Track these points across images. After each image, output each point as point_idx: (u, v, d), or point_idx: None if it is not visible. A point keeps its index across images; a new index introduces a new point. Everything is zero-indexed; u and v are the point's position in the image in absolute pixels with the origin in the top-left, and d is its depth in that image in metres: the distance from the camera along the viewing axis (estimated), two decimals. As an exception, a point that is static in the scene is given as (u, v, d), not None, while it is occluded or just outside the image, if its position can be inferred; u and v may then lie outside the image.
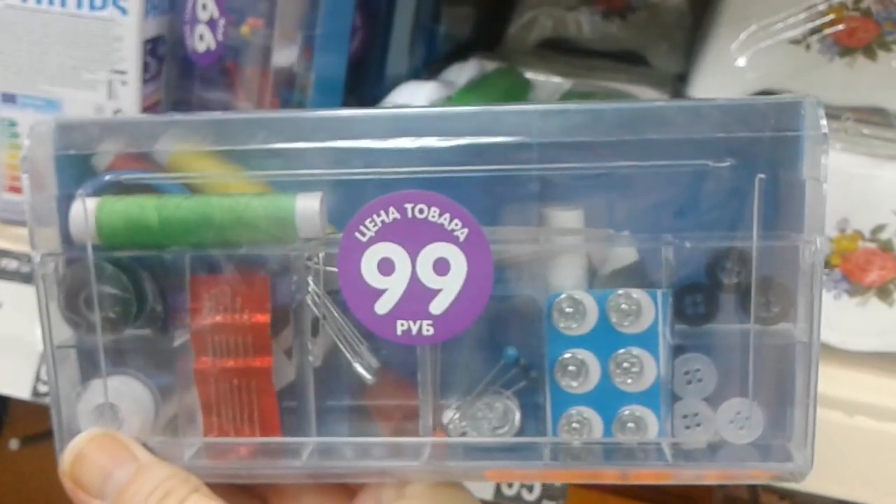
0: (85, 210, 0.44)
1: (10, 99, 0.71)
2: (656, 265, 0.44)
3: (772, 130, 0.42)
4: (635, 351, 0.44)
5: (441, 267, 0.43)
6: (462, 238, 0.42)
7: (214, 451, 0.47)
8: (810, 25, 0.73)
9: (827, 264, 0.67)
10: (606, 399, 0.45)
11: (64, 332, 0.46)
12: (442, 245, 0.43)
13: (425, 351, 0.45)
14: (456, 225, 0.42)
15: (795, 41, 0.74)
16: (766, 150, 0.43)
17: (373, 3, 0.81)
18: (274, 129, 0.45)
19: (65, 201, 0.45)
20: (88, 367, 0.46)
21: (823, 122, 0.42)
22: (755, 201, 0.42)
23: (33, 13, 0.68)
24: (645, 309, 0.44)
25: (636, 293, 0.44)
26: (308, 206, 0.44)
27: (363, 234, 0.43)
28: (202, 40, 0.71)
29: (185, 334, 0.46)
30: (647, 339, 0.44)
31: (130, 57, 0.69)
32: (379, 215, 0.43)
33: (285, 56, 0.71)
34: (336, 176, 0.44)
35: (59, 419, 0.46)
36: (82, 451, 0.45)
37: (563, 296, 0.44)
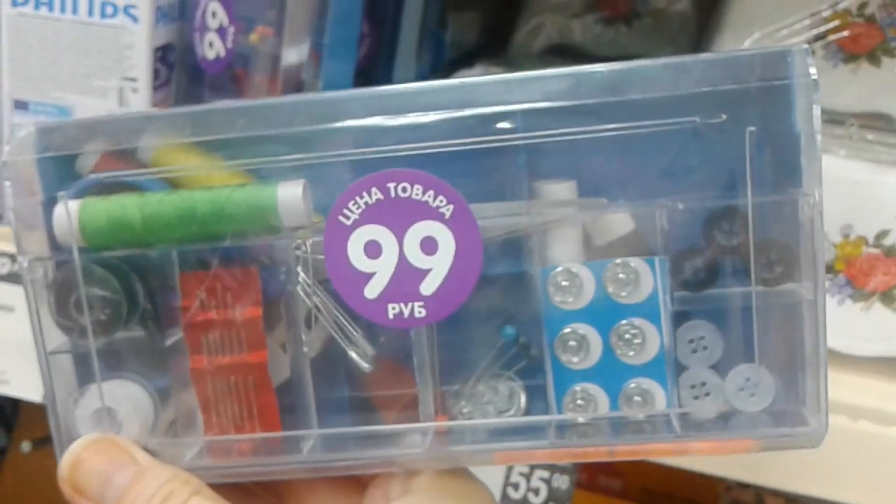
0: (68, 212, 0.41)
1: (22, 106, 0.69)
2: (653, 232, 0.40)
3: (760, 81, 0.38)
4: (636, 321, 0.40)
5: (429, 246, 0.39)
6: (448, 215, 0.39)
7: (216, 451, 0.43)
8: (815, 32, 0.70)
9: (831, 270, 0.65)
10: (610, 373, 0.41)
11: (57, 338, 0.43)
12: (428, 223, 0.39)
13: (420, 334, 0.41)
14: (441, 202, 0.39)
15: (800, 47, 0.70)
16: (756, 103, 0.38)
17: (380, 10, 0.79)
18: (254, 117, 0.41)
19: (50, 205, 0.42)
20: (84, 372, 0.43)
21: (813, 69, 0.38)
22: (746, 156, 0.38)
23: (45, 21, 0.67)
24: (643, 277, 0.40)
25: (633, 262, 0.40)
26: (290, 194, 0.40)
27: (347, 218, 0.39)
28: (212, 48, 0.69)
29: (178, 333, 0.43)
30: (647, 309, 0.40)
31: (141, 64, 0.67)
32: (362, 197, 0.39)
33: (294, 63, 0.69)
34: (318, 160, 0.41)
35: (57, 426, 0.43)
36: (80, 457, 0.42)
37: (557, 269, 0.40)
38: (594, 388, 0.41)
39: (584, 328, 0.40)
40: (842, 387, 0.60)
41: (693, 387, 0.40)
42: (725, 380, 0.40)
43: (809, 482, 0.60)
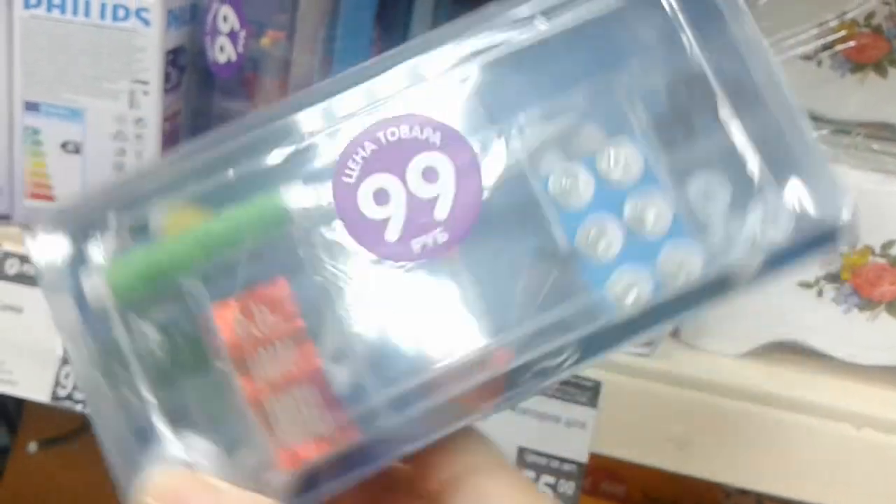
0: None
1: (33, 107, 0.70)
2: (625, 114, 0.42)
3: None
4: (645, 195, 0.41)
5: (430, 175, 0.41)
6: (438, 142, 0.41)
7: (289, 468, 0.41)
8: (822, 42, 0.70)
9: (837, 279, 0.66)
10: (640, 253, 0.41)
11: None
12: (423, 155, 0.41)
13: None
14: (428, 132, 0.41)
15: (807, 57, 0.72)
16: None
17: (390, 16, 0.80)
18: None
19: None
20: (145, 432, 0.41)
21: None
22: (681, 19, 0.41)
23: (57, 24, 0.67)
24: (632, 159, 0.41)
25: (620, 148, 0.41)
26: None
27: (350, 176, 0.41)
28: (223, 52, 0.70)
29: (226, 364, 0.41)
30: (649, 182, 0.41)
31: (152, 67, 0.68)
32: (357, 153, 0.41)
33: (304, 68, 0.70)
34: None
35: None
36: (156, 484, 0.39)
37: (555, 173, 0.41)
38: (632, 271, 0.41)
39: (598, 219, 0.41)
40: (847, 395, 0.61)
41: (719, 235, 0.41)
42: (746, 217, 0.41)
43: (811, 489, 0.61)
